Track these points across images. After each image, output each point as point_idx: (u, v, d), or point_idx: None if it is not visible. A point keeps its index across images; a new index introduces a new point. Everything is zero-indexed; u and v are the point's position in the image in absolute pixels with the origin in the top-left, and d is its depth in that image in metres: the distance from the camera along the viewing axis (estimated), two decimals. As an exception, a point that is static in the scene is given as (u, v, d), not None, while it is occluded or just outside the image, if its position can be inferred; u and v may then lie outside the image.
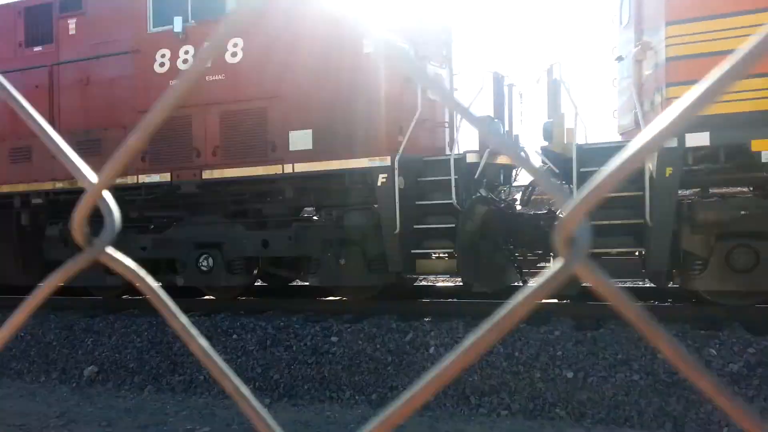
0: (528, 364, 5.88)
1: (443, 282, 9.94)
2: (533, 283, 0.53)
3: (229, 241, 8.37)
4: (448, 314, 7.27)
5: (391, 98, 7.50)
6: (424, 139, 8.30)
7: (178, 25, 7.99)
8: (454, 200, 7.29)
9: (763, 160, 5.89)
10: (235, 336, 7.39)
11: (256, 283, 9.55)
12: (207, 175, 8.21)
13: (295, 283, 9.94)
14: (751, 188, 7.00)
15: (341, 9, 7.47)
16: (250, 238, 8.28)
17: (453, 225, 7.31)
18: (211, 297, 9.04)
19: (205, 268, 8.50)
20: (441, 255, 7.87)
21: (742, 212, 6.16)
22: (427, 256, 7.78)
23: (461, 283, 8.33)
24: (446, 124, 8.85)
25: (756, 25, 5.78)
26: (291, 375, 6.62)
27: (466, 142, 8.48)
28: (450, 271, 7.78)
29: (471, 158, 7.66)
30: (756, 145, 5.87)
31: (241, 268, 8.47)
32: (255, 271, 8.89)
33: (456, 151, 7.84)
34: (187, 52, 8.14)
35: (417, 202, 7.64)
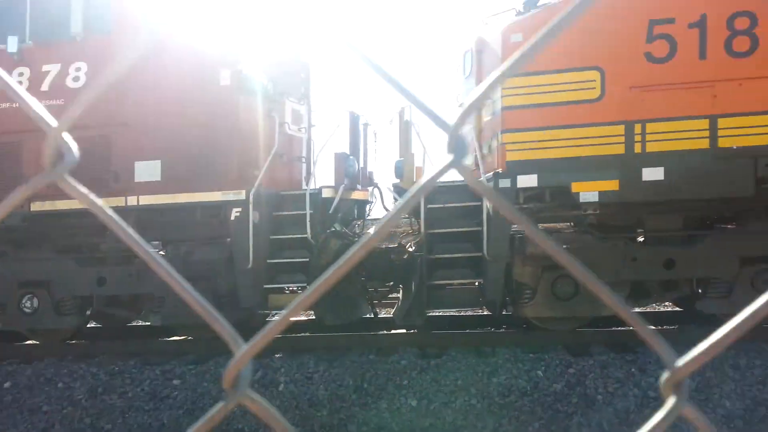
0: (376, 395, 6.00)
1: (298, 316, 9.85)
2: (206, 414, 0.64)
3: (58, 279, 7.59)
4: (299, 349, 7.21)
5: (248, 131, 7.43)
6: (281, 173, 8.29)
7: (12, 45, 7.31)
8: (308, 234, 7.33)
9: (581, 200, 6.68)
10: (60, 384, 6.65)
11: (88, 325, 8.73)
12: (37, 207, 7.42)
13: (134, 324, 9.24)
14: (572, 224, 7.89)
15: (197, 39, 7.34)
16: (84, 275, 7.58)
17: (307, 259, 7.34)
18: (35, 342, 8.08)
19: (28, 310, 7.61)
20: (294, 289, 7.83)
21: (564, 246, 6.92)
22: (281, 290, 7.69)
23: (314, 317, 8.34)
24: (303, 159, 8.93)
25: (572, 81, 6.63)
26: (125, 423, 6.09)
27: (323, 177, 8.60)
28: (303, 305, 7.73)
29: (326, 193, 7.79)
30: (575, 186, 6.65)
31: (71, 308, 7.70)
32: (88, 312, 8.14)
33: (312, 186, 7.92)
34: (21, 74, 7.44)
35: (272, 237, 7.56)
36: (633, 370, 6.02)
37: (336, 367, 6.49)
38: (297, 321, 9.33)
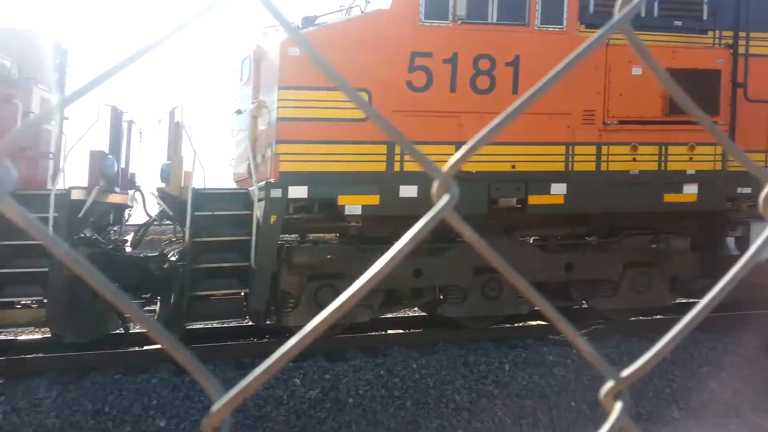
0: (118, 418, 5.47)
1: (29, 334, 8.50)
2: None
3: None
4: (28, 373, 6.21)
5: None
6: (23, 170, 7.10)
7: None
8: (49, 240, 6.40)
9: (346, 212, 7.04)
10: None
11: None
12: None
13: None
14: (338, 235, 8.26)
15: None
16: None
17: (46, 269, 6.39)
18: None
19: None
20: (29, 303, 6.76)
21: (329, 256, 7.20)
22: (9, 305, 6.58)
23: (50, 335, 7.31)
24: (51, 155, 7.77)
25: (342, 100, 6.96)
26: None
27: (75, 176, 7.60)
28: (37, 321, 6.74)
29: (77, 194, 6.91)
30: (341, 199, 6.99)
31: None
32: None
33: (61, 186, 6.95)
34: None
35: (1, 242, 6.42)
36: (382, 372, 6.50)
37: (73, 391, 5.75)
38: (27, 340, 8.06)
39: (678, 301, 8.83)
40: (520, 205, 7.41)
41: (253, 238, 6.90)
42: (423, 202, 7.09)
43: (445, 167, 0.65)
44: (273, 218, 6.84)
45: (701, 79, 7.64)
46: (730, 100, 7.87)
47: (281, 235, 7.53)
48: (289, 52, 6.90)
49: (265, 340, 7.88)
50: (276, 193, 6.83)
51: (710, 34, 8.19)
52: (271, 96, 7.23)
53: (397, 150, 7.12)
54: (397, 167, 7.12)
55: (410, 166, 7.14)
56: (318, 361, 6.67)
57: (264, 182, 7.01)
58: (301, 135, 6.90)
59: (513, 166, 7.30)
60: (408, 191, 7.10)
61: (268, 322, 7.60)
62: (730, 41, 8.09)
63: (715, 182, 7.69)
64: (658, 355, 0.66)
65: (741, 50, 8.09)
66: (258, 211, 6.97)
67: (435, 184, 0.64)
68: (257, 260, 6.82)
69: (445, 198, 0.64)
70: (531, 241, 8.34)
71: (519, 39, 7.34)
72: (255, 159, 7.57)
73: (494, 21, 7.35)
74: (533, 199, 7.36)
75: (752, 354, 7.37)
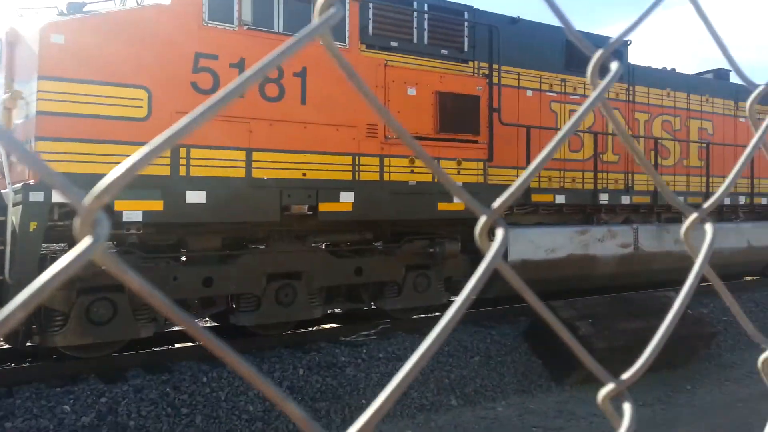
0: None
1: None
2: None
3: None
4: None
5: None
6: None
7: None
8: None
9: (124, 219, 6.46)
10: None
11: None
12: None
13: None
14: (115, 243, 7.53)
15: None
16: None
17: None
18: None
19: None
20: None
21: (103, 267, 6.49)
22: None
23: None
24: None
25: (119, 96, 6.41)
26: None
27: None
28: None
29: None
30: (119, 205, 6.38)
31: None
32: None
33: None
34: None
35: None
36: (168, 389, 6.12)
37: None
38: None
39: (451, 299, 9.83)
40: (311, 212, 7.58)
41: (8, 248, 5.98)
42: (212, 209, 6.84)
43: (88, 198, 0.47)
44: (33, 225, 6.00)
45: (464, 103, 8.68)
46: (488, 123, 9.04)
47: (45, 245, 6.64)
48: (52, 39, 6.14)
49: (26, 364, 6.86)
50: (36, 196, 6.01)
51: (471, 63, 9.37)
52: (29, 86, 6.37)
53: (183, 153, 6.77)
54: (183, 171, 6.76)
55: (198, 171, 6.84)
56: (92, 384, 6.01)
57: (21, 184, 6.12)
58: (67, 132, 6.17)
59: (304, 174, 7.44)
60: (195, 197, 6.80)
61: (29, 344, 6.62)
62: (487, 71, 9.33)
63: (480, 193, 8.74)
64: (382, 409, 0.58)
65: (495, 80, 9.38)
66: (14, 216, 6.06)
67: (77, 221, 0.47)
68: (13, 273, 5.91)
69: (87, 241, 0.46)
70: (323, 247, 8.57)
71: (306, 51, 7.43)
72: (9, 157, 6.57)
73: (280, 31, 7.43)
74: (324, 206, 7.58)
75: (513, 342, 8.53)
